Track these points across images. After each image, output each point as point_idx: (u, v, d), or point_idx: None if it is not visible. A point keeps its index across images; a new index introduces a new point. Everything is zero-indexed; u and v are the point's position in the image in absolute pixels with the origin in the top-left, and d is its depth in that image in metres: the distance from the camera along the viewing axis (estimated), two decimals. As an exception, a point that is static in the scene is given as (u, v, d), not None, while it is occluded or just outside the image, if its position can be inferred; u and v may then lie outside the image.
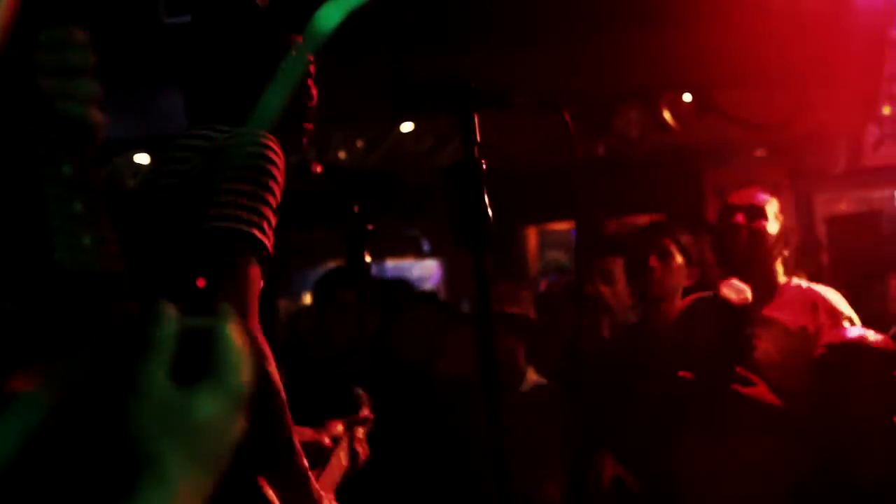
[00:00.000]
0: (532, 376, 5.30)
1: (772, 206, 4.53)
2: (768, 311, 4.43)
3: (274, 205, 2.62)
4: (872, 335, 3.95)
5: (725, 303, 4.32)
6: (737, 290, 4.35)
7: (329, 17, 1.57)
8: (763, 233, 4.46)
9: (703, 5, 7.85)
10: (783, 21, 7.97)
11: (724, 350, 4.29)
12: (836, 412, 3.88)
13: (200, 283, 2.48)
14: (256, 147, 2.61)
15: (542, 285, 9.54)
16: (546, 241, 11.59)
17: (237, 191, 2.55)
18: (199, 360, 0.88)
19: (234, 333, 0.91)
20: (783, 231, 4.51)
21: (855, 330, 4.03)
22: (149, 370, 0.86)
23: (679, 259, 5.06)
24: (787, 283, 4.52)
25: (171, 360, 0.87)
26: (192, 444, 0.86)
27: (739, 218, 4.49)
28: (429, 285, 11.66)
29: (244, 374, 0.92)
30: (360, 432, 3.42)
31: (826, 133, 8.87)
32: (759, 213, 4.48)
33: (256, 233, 2.54)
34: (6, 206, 0.96)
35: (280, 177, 2.65)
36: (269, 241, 2.59)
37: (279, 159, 2.66)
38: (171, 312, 0.89)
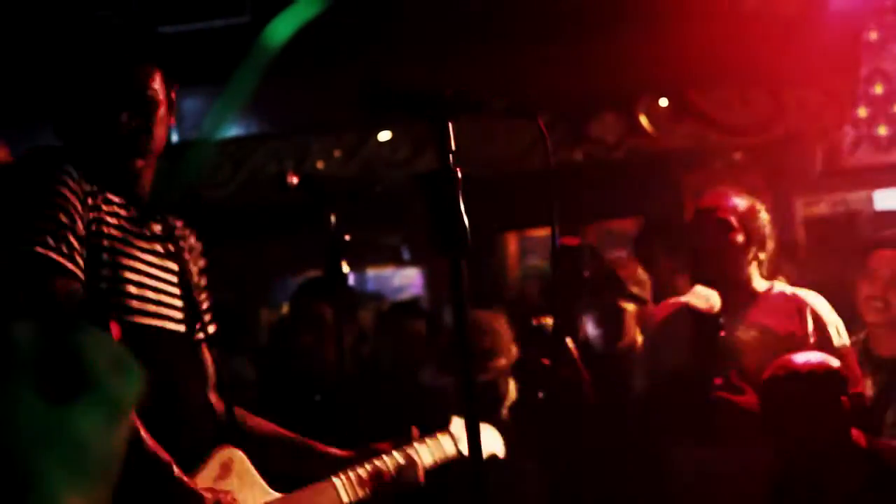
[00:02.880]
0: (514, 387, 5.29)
1: (739, 213, 4.44)
2: (755, 317, 4.38)
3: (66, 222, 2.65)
4: (818, 359, 3.92)
5: (696, 312, 4.30)
6: (704, 297, 4.32)
7: (279, 32, 1.55)
8: (731, 248, 4.39)
9: (677, 9, 7.86)
10: (758, 24, 7.99)
11: (701, 358, 4.26)
12: (790, 436, 3.88)
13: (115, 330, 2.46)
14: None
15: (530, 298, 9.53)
16: (526, 247, 11.57)
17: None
18: (67, 376, 0.86)
19: (99, 341, 0.89)
20: (755, 236, 4.43)
21: (800, 357, 3.98)
22: (15, 392, 0.84)
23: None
24: (770, 289, 4.47)
25: (37, 378, 0.85)
26: (75, 460, 0.84)
27: (705, 235, 4.42)
28: (410, 293, 11.63)
29: (118, 379, 0.89)
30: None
31: (803, 135, 8.89)
32: (725, 227, 4.40)
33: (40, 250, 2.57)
34: None
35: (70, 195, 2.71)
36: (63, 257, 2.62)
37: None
38: (25, 330, 0.87)
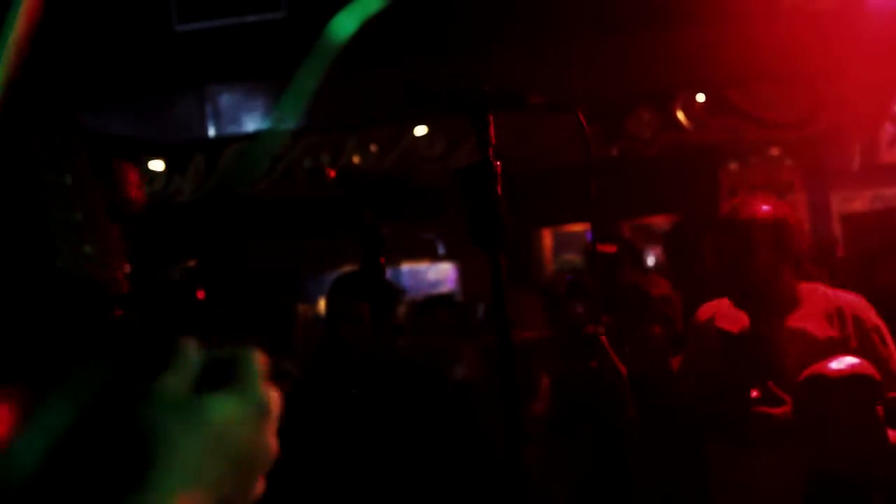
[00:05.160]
0: (546, 382, 5.30)
1: (764, 222, 4.32)
2: (794, 322, 4.29)
3: None
4: (849, 365, 3.86)
5: (722, 332, 4.25)
6: (732, 319, 4.26)
7: (343, 27, 1.57)
8: (753, 260, 4.30)
9: (715, 5, 7.84)
10: (796, 19, 7.96)
11: (731, 375, 4.23)
12: (823, 443, 3.86)
13: (200, 294, 2.46)
14: None
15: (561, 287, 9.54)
16: (561, 242, 11.58)
17: None
18: (219, 380, 0.91)
19: (256, 356, 0.95)
20: (786, 240, 4.33)
21: (839, 362, 3.92)
22: (167, 378, 0.89)
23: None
24: (811, 291, 4.36)
25: (192, 377, 0.90)
26: (207, 439, 0.88)
27: (728, 245, 4.34)
28: (444, 288, 11.66)
29: (265, 387, 0.95)
30: None
31: (841, 131, 8.85)
32: (748, 241, 4.29)
33: None
34: (9, 214, 0.98)
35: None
36: None
37: None
38: (191, 344, 0.92)
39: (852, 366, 3.86)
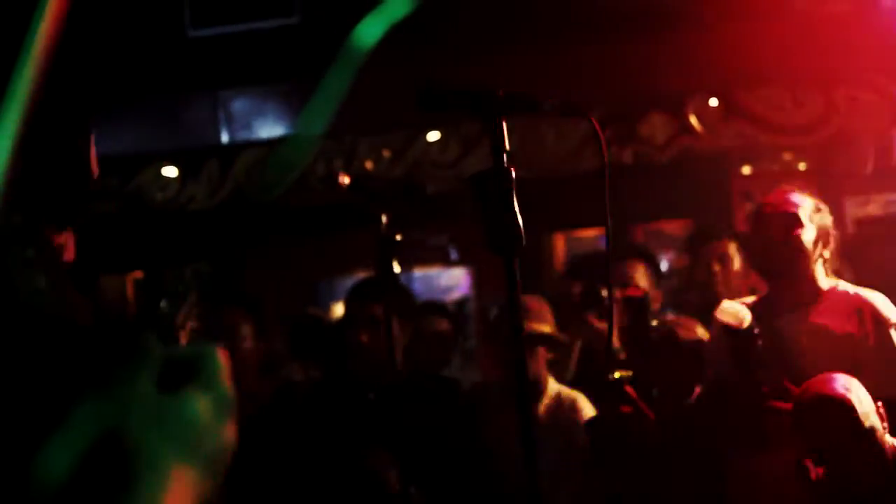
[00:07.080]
0: (553, 384, 5.29)
1: (805, 209, 4.38)
2: (815, 317, 4.31)
3: None
4: (832, 390, 3.79)
5: (727, 327, 4.26)
6: (732, 313, 4.27)
7: (369, 33, 1.58)
8: (799, 243, 4.32)
9: (727, 9, 7.83)
10: (808, 23, 7.95)
11: (741, 371, 4.23)
12: (823, 458, 3.82)
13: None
14: None
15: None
16: (574, 247, 11.56)
17: None
18: (182, 371, 0.93)
19: (218, 353, 0.98)
20: (820, 233, 4.38)
21: (839, 384, 3.84)
22: (132, 379, 0.91)
23: (737, 263, 5.23)
24: (833, 288, 4.38)
25: (155, 374, 0.92)
26: (183, 436, 0.90)
27: (773, 230, 4.36)
28: (457, 294, 11.65)
29: (228, 383, 0.98)
30: None
31: (854, 135, 8.83)
32: (793, 221, 4.33)
33: None
34: None
35: None
36: None
37: None
38: (153, 340, 0.93)
39: (833, 390, 3.78)
